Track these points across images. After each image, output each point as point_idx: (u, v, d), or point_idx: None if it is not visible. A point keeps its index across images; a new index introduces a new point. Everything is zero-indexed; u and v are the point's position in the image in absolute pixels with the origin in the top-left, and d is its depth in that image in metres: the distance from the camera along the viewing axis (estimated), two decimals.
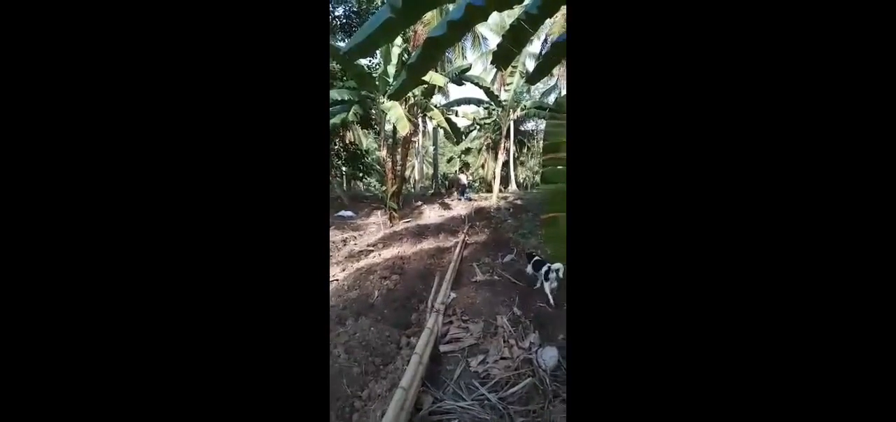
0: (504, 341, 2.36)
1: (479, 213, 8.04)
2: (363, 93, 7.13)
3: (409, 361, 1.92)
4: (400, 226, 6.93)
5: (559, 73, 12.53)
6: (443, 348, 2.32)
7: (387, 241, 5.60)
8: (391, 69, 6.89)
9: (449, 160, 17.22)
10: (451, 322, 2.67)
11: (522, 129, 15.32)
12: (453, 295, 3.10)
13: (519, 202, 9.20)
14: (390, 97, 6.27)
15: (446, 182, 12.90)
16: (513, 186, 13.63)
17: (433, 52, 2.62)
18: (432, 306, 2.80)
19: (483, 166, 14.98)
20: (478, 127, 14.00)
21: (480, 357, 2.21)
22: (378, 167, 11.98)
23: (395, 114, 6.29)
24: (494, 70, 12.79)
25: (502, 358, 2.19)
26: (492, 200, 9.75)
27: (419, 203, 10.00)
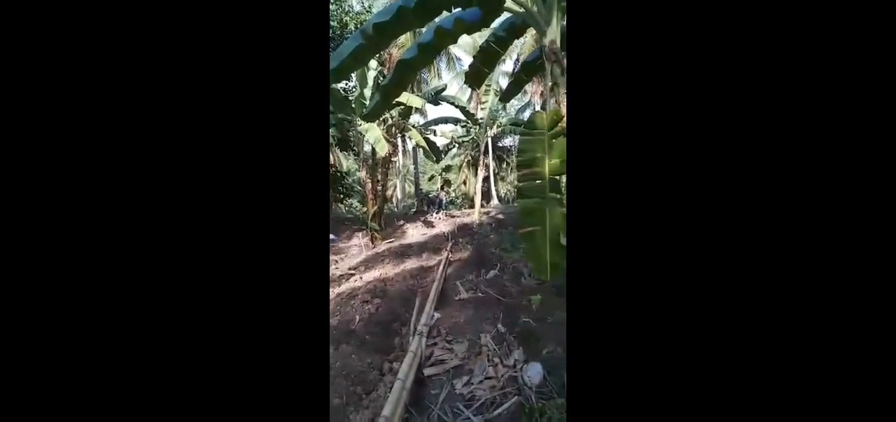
0: (488, 360, 2.33)
1: (462, 229, 8.05)
2: (340, 115, 7.12)
3: (391, 387, 1.87)
4: (382, 247, 6.84)
5: (532, 90, 12.90)
6: (427, 372, 2.27)
7: (368, 263, 5.51)
8: (367, 92, 6.92)
9: (430, 178, 17.27)
10: (434, 344, 2.62)
11: (500, 144, 15.58)
12: (437, 315, 3.06)
13: (501, 216, 9.28)
14: (365, 119, 6.27)
15: (427, 201, 12.96)
16: (495, 201, 13.75)
17: (406, 73, 2.65)
18: (415, 329, 2.75)
19: (465, 183, 15.08)
20: (457, 145, 14.13)
21: (465, 378, 2.17)
22: (358, 188, 11.87)
23: (372, 135, 6.29)
24: (470, 89, 13.05)
25: (487, 378, 2.16)
26: (474, 215, 9.80)
27: (401, 222, 9.93)
